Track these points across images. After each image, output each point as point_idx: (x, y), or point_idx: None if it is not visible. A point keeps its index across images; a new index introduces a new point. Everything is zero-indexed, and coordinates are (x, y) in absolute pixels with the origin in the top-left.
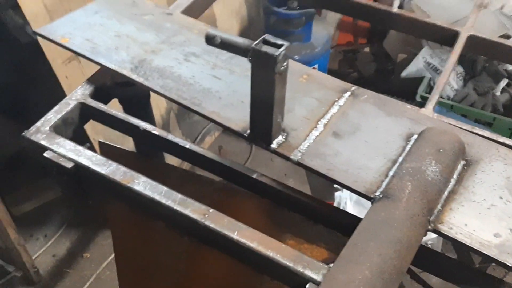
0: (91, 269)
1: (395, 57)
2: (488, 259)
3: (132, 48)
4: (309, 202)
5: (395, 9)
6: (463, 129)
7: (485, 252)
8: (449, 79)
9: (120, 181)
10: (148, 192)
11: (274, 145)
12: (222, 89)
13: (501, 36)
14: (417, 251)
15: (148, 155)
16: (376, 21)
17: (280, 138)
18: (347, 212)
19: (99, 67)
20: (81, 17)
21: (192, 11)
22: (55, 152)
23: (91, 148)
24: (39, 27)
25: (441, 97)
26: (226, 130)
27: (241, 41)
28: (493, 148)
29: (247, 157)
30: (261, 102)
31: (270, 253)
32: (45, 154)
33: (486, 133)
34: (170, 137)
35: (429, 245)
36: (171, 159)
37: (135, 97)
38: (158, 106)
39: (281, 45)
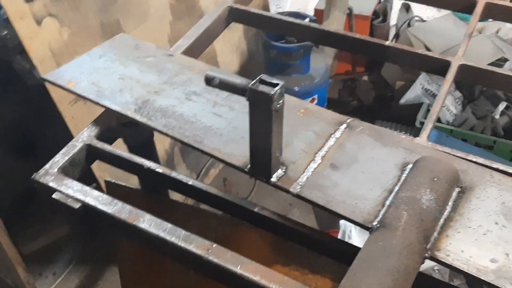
0: None
1: (394, 84)
2: (486, 285)
3: (135, 90)
4: (310, 233)
5: (387, 42)
6: (457, 156)
7: (482, 278)
8: (448, 104)
9: (126, 219)
10: (153, 230)
11: (274, 178)
12: (223, 126)
13: (498, 60)
14: (416, 279)
15: (153, 191)
16: (370, 54)
17: (279, 172)
18: (348, 243)
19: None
20: (86, 61)
21: (192, 52)
22: (63, 193)
23: (98, 188)
24: (45, 70)
25: (440, 122)
26: (227, 164)
27: (239, 81)
28: (487, 174)
29: (252, 188)
30: (259, 138)
31: (273, 286)
32: (53, 196)
33: (480, 160)
34: (173, 174)
35: (436, 271)
36: (176, 194)
37: (139, 136)
38: (162, 141)
39: (276, 84)
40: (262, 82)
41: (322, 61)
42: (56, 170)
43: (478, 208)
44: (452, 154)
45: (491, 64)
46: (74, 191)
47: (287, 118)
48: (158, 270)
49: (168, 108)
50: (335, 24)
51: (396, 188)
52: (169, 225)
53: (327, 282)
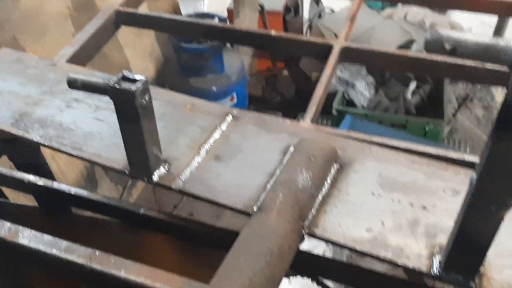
0: None
1: (312, 76)
2: (363, 255)
3: (13, 103)
4: (198, 228)
5: (273, 32)
6: (338, 135)
7: (358, 248)
8: (361, 89)
9: (5, 237)
10: (33, 244)
11: (155, 177)
12: (104, 130)
13: (406, 42)
14: (305, 258)
15: (52, 208)
16: (258, 45)
17: (162, 170)
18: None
19: None
20: None
21: (79, 59)
22: None
23: None
24: None
25: (355, 106)
26: (108, 170)
27: (100, 80)
28: (366, 148)
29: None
30: (132, 137)
31: (158, 285)
32: None
33: (360, 136)
34: (55, 185)
35: None
36: None
37: (24, 152)
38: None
39: (138, 80)
40: (125, 79)
41: (237, 60)
42: None
43: (356, 181)
44: (332, 134)
45: (400, 47)
46: None
47: (173, 115)
48: None
49: (47, 118)
50: (247, 22)
51: (278, 171)
52: (49, 238)
53: None
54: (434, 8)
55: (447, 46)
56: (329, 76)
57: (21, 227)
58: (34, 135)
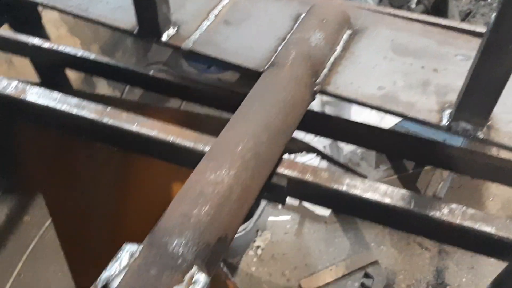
0: (33, 231)
1: None
2: (374, 109)
3: None
4: (206, 89)
5: None
6: (351, 5)
7: (369, 103)
8: None
9: (13, 95)
10: (42, 101)
11: (164, 37)
12: None
13: None
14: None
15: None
16: None
17: (171, 31)
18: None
19: None
20: None
21: None
22: None
23: None
24: None
25: None
26: (115, 30)
27: None
28: (379, 17)
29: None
30: None
31: (171, 138)
32: None
33: (372, 6)
34: (61, 47)
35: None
36: None
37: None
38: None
39: None
40: None
41: None
42: None
43: (369, 46)
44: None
45: None
46: None
47: None
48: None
49: None
50: None
51: (289, 35)
52: (59, 95)
53: None
54: None
55: None
56: None
57: (29, 85)
58: None
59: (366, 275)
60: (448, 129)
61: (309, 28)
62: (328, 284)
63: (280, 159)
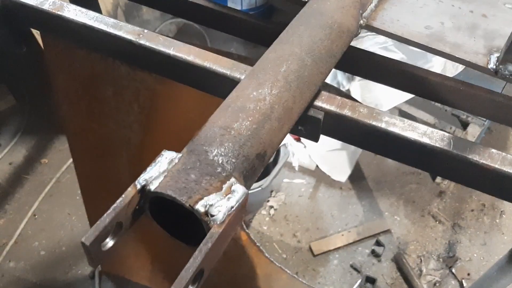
0: (50, 173)
1: None
2: (420, 48)
3: None
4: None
5: None
6: None
7: (415, 41)
8: None
9: (49, 10)
10: (80, 19)
11: None
12: None
13: None
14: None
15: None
16: None
17: None
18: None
19: None
20: None
21: None
22: None
23: None
24: None
25: None
26: None
27: None
28: None
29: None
30: None
31: (207, 64)
32: None
33: None
34: None
35: None
36: None
37: None
38: (104, 1)
39: None
40: None
41: None
42: None
43: None
44: None
45: None
46: None
47: None
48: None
49: None
50: None
51: None
52: (96, 14)
53: None
54: None
55: None
56: None
57: (65, 2)
58: None
59: (378, 243)
60: (495, 72)
61: None
62: (338, 248)
63: (318, 92)
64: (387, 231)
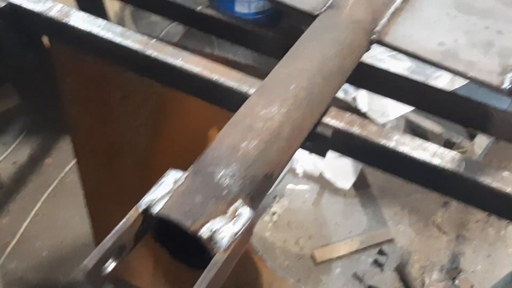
0: (54, 173)
1: None
2: (433, 65)
3: None
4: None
5: None
6: None
7: (428, 58)
8: None
9: (56, 17)
10: (86, 26)
11: None
12: None
13: None
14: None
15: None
16: None
17: None
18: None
19: None
20: None
21: None
22: None
23: None
24: None
25: None
26: None
27: None
28: None
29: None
30: None
31: (215, 77)
32: None
33: None
34: None
35: None
36: None
37: None
38: (113, 5)
39: None
40: None
41: None
42: None
43: (431, 1)
44: None
45: None
46: None
47: None
48: (108, 113)
49: None
50: None
51: None
52: (104, 22)
53: None
54: None
55: None
56: None
57: (73, 8)
58: None
59: (381, 252)
60: (510, 93)
61: None
62: (341, 257)
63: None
64: (391, 240)
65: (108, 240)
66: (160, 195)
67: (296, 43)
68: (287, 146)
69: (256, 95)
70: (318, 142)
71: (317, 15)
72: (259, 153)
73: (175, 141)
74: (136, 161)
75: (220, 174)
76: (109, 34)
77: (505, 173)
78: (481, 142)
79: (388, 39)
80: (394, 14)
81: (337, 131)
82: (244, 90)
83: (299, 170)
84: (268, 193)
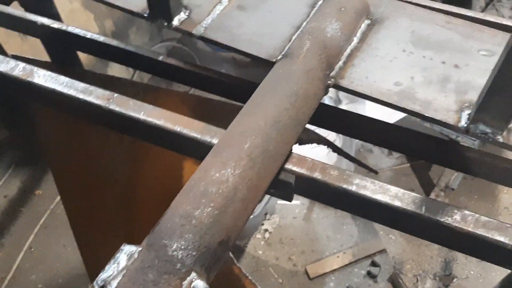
0: (45, 205)
1: None
2: (389, 107)
3: None
4: (216, 77)
5: None
6: None
7: (384, 100)
8: None
9: (19, 76)
10: (49, 84)
11: (175, 22)
12: None
13: None
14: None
15: (64, 62)
16: None
17: (182, 15)
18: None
19: None
20: None
21: None
22: None
23: None
24: None
25: None
26: (126, 12)
27: None
28: (400, 7)
29: None
30: None
31: (178, 128)
32: None
33: None
34: (69, 28)
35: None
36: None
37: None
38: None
39: None
40: None
41: None
42: None
43: (387, 38)
44: None
45: None
46: None
47: None
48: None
49: None
50: None
51: (304, 23)
52: (66, 79)
53: None
54: None
55: None
56: None
57: (36, 67)
58: None
59: (373, 264)
60: (466, 131)
61: (325, 16)
62: (334, 270)
63: (289, 154)
64: (383, 251)
65: None
66: (115, 272)
67: (252, 97)
68: (243, 207)
69: (210, 157)
70: (282, 189)
71: (275, 62)
72: (213, 220)
73: (154, 174)
74: (117, 194)
75: (173, 247)
76: (72, 91)
77: (465, 212)
78: None
79: (344, 83)
80: (350, 55)
81: (299, 177)
82: (207, 140)
83: None
84: (256, 213)
